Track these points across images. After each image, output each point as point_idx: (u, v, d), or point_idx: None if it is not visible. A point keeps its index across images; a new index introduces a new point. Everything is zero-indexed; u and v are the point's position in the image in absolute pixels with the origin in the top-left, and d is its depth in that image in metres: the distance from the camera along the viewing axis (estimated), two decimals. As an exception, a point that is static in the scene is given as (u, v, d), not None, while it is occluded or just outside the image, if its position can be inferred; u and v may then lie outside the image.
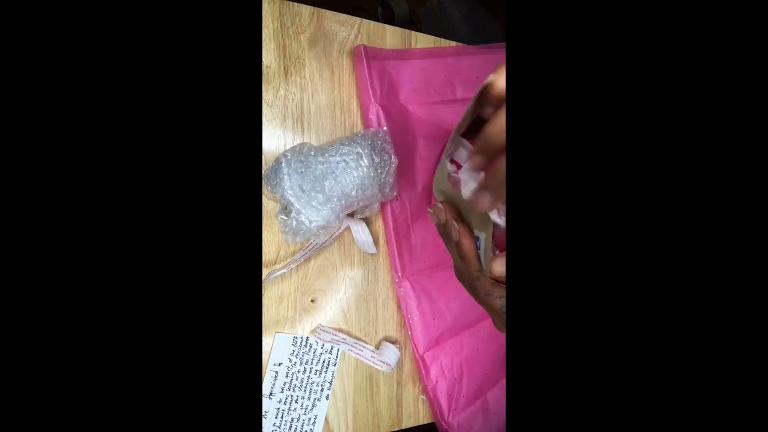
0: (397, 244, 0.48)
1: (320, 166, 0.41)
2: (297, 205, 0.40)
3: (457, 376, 0.50)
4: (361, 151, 0.42)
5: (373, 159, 0.42)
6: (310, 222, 0.41)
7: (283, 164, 0.41)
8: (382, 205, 0.48)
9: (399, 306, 0.49)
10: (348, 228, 0.47)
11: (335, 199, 0.41)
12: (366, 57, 0.46)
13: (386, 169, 0.43)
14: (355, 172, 0.42)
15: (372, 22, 0.49)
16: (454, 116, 0.50)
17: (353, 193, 0.42)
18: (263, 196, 0.45)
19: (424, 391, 0.50)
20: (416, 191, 0.49)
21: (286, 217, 0.41)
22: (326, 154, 0.42)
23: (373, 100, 0.46)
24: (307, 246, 0.45)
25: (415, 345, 0.49)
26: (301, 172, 0.41)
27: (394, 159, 0.44)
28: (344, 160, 0.42)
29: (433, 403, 0.49)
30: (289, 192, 0.40)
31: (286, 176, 0.40)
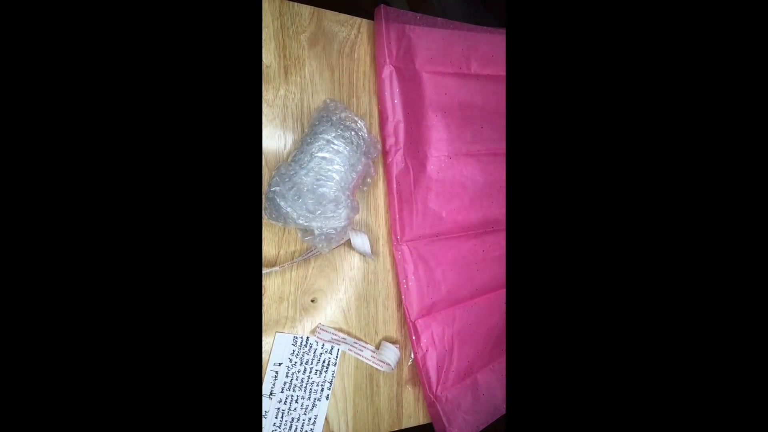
0: (399, 207, 0.48)
1: (307, 179, 0.40)
2: (315, 224, 0.40)
3: (448, 348, 0.50)
4: (327, 137, 0.41)
5: (343, 136, 0.41)
6: (336, 230, 0.40)
7: (278, 200, 0.40)
8: (387, 168, 0.48)
9: (396, 273, 0.49)
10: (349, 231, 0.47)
11: (341, 194, 0.41)
12: (385, 18, 0.47)
13: (358, 133, 0.42)
14: (338, 158, 0.41)
15: (372, 22, 0.49)
16: (466, 91, 0.51)
17: (350, 176, 0.41)
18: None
19: (414, 359, 0.49)
20: (420, 157, 0.49)
21: (312, 236, 0.41)
22: (303, 163, 0.41)
23: (388, 60, 0.47)
24: (308, 251, 0.45)
25: (407, 310, 0.48)
26: (297, 198, 0.40)
27: (359, 120, 0.43)
28: (323, 158, 0.41)
29: (421, 371, 0.48)
30: (301, 220, 0.40)
31: (289, 209, 0.40)
